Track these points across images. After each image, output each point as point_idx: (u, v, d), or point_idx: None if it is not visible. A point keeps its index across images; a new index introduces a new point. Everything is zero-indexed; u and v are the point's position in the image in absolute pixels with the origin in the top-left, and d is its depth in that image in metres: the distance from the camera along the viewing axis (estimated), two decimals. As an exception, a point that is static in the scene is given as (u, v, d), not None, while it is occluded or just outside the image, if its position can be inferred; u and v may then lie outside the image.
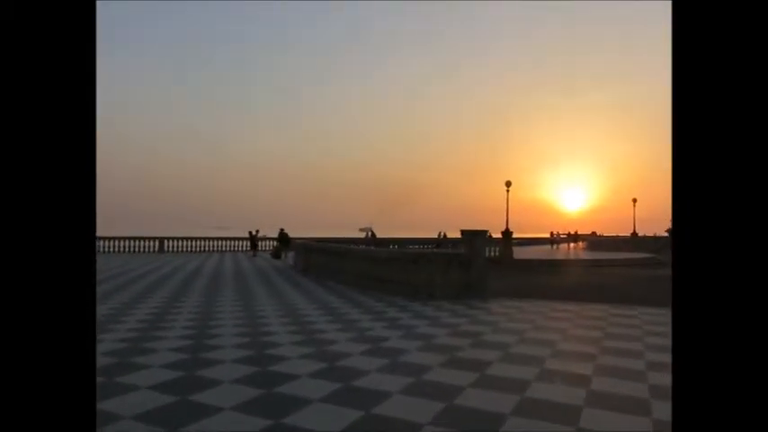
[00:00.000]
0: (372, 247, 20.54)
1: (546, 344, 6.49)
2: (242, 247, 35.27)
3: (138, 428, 3.67)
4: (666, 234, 60.95)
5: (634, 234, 46.57)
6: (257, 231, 31.76)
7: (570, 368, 5.35)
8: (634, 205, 47.28)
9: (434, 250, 26.02)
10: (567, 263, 26.62)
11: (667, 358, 5.59)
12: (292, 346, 6.23)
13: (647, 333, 7.29)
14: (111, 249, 30.66)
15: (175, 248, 33.17)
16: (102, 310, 8.76)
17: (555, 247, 45.03)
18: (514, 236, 30.03)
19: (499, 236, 28.11)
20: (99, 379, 4.61)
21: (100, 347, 5.92)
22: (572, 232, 55.59)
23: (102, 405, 4.02)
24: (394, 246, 28.39)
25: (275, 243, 28.73)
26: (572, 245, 49.06)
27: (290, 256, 24.60)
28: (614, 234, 68.63)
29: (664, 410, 4.07)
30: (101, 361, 5.29)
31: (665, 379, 4.85)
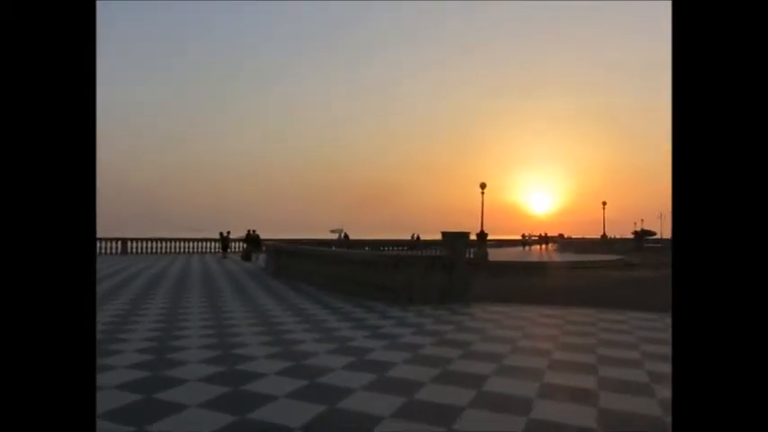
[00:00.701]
0: (346, 249, 19.98)
1: (541, 354, 6.08)
2: (210, 248, 34.03)
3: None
4: (632, 236, 62.54)
5: (604, 236, 47.36)
6: (228, 232, 30.68)
7: (572, 382, 4.93)
8: (604, 208, 48.14)
9: (412, 253, 25.54)
10: (542, 265, 26.65)
11: (670, 368, 5.25)
12: (267, 360, 5.62)
13: (643, 340, 6.97)
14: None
15: (139, 250, 31.73)
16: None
17: (527, 248, 45.37)
18: (488, 238, 29.99)
19: (474, 238, 27.96)
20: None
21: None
22: (543, 234, 56.27)
23: None
24: (367, 248, 27.87)
25: (244, 245, 27.82)
26: (543, 246, 49.59)
27: (260, 258, 23.79)
28: (582, 236, 69.96)
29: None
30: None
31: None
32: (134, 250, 31.52)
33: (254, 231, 27.75)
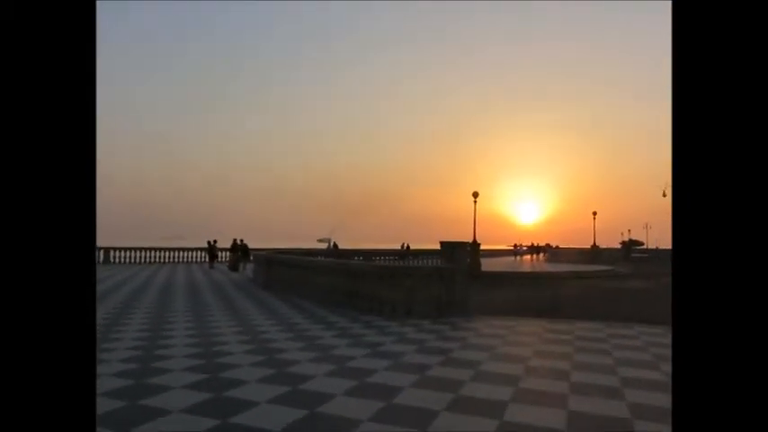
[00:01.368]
0: (337, 260, 19.41)
1: (559, 375, 5.60)
2: (197, 257, 33.16)
3: None
4: (620, 246, 62.74)
5: (594, 246, 47.28)
6: (215, 241, 29.87)
7: (603, 409, 4.46)
8: (594, 218, 48.09)
9: (406, 263, 25.13)
10: (536, 275, 26.32)
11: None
12: (259, 385, 5.07)
13: (659, 358, 6.54)
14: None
15: (123, 259, 30.75)
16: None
17: (518, 258, 45.10)
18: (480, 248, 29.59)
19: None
20: None
21: None
22: (534, 244, 56.15)
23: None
24: (358, 257, 27.28)
25: (229, 254, 27.08)
26: (534, 256, 49.38)
27: (248, 269, 23.11)
28: (571, 246, 70.03)
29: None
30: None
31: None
32: (117, 260, 30.53)
33: (241, 241, 26.99)
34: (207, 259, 29.94)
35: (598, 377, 5.56)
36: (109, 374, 5.33)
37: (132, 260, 30.88)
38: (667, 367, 6.03)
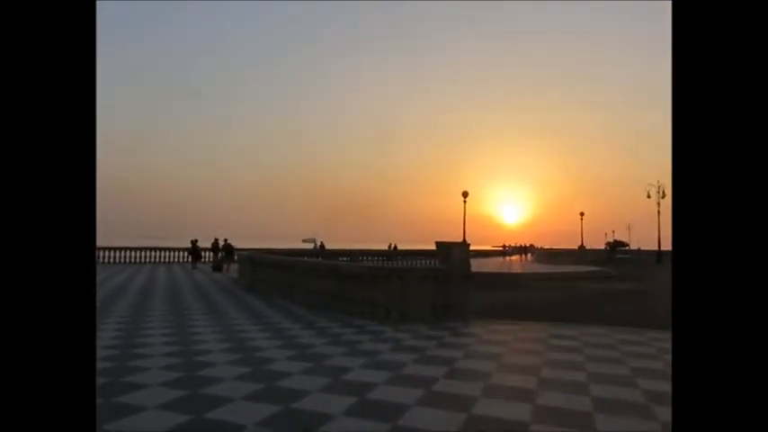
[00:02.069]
0: (326, 261, 18.82)
1: (578, 389, 5.10)
2: (178, 257, 32.14)
3: None
4: (605, 247, 63.11)
5: (581, 247, 47.30)
6: (196, 241, 28.95)
7: (620, 426, 3.97)
8: (581, 219, 48.12)
9: (393, 264, 24.67)
10: (527, 276, 26.01)
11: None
12: (247, 402, 4.48)
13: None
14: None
15: (101, 259, 29.39)
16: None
17: (507, 258, 44.94)
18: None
19: (456, 248, 27.13)
20: None
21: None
22: (522, 245, 56.15)
23: None
24: (345, 258, 26.62)
25: (211, 254, 26.23)
26: (523, 256, 49.31)
27: (232, 269, 22.37)
28: (555, 246, 70.24)
29: None
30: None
31: None
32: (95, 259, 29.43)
33: (225, 240, 26.16)
34: (189, 259, 28.98)
35: (621, 391, 5.08)
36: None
37: (110, 260, 29.63)
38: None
